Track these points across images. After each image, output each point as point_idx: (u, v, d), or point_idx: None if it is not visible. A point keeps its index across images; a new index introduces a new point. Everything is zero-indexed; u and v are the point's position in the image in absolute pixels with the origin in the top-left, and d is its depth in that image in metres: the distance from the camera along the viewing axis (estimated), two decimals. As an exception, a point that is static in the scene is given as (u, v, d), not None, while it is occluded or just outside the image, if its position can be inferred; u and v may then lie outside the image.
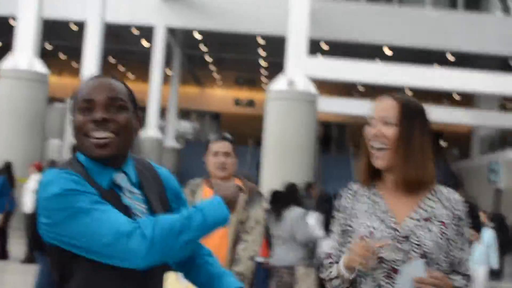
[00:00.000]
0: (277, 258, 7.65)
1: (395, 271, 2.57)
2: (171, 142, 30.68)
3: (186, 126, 39.47)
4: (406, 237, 2.59)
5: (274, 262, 7.70)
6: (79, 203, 2.10)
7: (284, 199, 7.68)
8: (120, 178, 2.28)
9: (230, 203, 2.24)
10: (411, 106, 2.67)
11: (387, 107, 2.66)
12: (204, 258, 2.53)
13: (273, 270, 7.75)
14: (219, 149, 4.50)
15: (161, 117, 29.92)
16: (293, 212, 7.57)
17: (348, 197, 2.78)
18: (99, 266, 2.14)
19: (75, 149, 2.16)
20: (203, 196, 4.42)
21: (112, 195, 2.23)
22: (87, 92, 2.23)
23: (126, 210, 2.22)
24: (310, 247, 7.77)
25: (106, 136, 2.20)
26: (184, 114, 38.23)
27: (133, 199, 2.29)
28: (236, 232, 4.27)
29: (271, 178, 14.28)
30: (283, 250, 7.58)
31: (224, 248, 4.23)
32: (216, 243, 4.06)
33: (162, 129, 29.68)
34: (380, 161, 2.66)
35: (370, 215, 2.67)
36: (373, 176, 2.74)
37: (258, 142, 27.22)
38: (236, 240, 4.27)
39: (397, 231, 2.61)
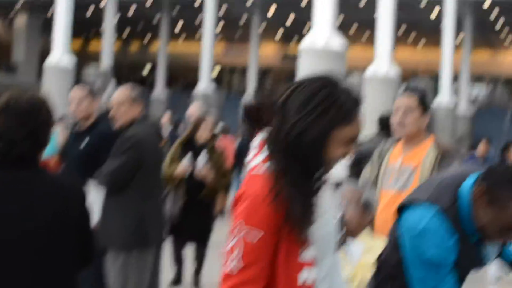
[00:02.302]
0: None
1: None
2: (463, 110, 30.14)
3: (479, 92, 38.47)
4: None
5: None
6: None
7: None
8: None
9: None
10: None
11: None
12: None
13: None
14: (398, 104, 3.83)
15: (453, 83, 29.59)
16: None
17: None
18: None
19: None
20: (390, 158, 3.88)
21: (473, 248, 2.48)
22: None
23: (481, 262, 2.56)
24: None
25: None
26: (477, 79, 37.28)
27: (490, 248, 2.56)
28: None
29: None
30: None
31: None
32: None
33: (454, 96, 29.31)
34: None
35: None
36: None
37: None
38: None
39: None
